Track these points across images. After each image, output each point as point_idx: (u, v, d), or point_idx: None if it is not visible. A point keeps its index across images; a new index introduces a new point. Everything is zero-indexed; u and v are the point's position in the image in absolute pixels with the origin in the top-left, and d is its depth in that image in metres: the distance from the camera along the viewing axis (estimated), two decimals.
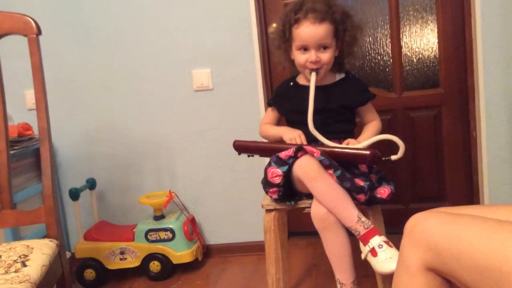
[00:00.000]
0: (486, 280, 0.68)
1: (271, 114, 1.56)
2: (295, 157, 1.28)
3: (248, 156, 1.47)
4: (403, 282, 0.82)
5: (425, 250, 0.77)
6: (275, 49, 1.51)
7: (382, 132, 1.42)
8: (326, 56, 1.37)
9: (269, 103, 1.57)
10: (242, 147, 1.46)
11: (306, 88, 1.40)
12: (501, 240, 0.67)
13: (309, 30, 1.34)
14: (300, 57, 1.40)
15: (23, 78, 2.00)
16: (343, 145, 1.32)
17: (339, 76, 1.49)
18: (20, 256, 1.08)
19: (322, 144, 1.34)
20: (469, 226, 0.73)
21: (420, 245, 0.78)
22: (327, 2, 1.37)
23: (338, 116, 1.44)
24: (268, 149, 1.40)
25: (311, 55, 1.36)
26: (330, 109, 1.43)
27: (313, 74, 1.37)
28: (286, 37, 1.41)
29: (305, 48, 1.38)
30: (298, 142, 1.36)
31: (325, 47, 1.37)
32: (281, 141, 1.46)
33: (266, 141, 1.55)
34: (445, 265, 0.75)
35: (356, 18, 1.42)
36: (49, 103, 1.28)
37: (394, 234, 1.55)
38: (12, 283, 0.96)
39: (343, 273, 1.28)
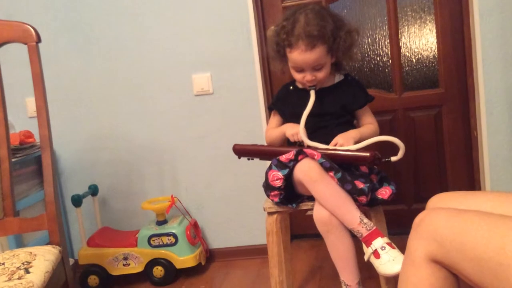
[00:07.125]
0: (485, 271, 0.70)
1: (274, 119, 1.56)
2: (295, 160, 1.28)
3: (248, 159, 1.47)
4: (409, 274, 0.83)
5: (430, 242, 0.79)
6: (270, 59, 1.50)
7: (383, 133, 1.42)
8: (322, 74, 1.38)
9: (270, 107, 1.57)
10: (241, 151, 1.46)
11: (305, 91, 1.40)
12: (501, 234, 0.69)
13: (302, 57, 1.34)
14: (296, 75, 1.41)
15: (24, 86, 2.01)
16: (343, 147, 1.32)
17: (338, 78, 1.49)
18: (23, 263, 1.08)
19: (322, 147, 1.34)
20: (472, 219, 0.75)
21: (425, 237, 0.80)
22: (318, 22, 1.32)
23: (338, 119, 1.44)
24: (267, 152, 1.40)
25: (307, 75, 1.38)
26: (329, 112, 1.44)
27: (312, 92, 1.38)
28: (281, 53, 1.41)
29: (300, 69, 1.39)
30: (298, 139, 1.37)
31: (320, 67, 1.37)
32: (282, 144, 1.45)
33: (265, 144, 1.55)
34: (448, 256, 0.76)
35: (349, 24, 1.40)
36: (51, 110, 1.29)
37: (397, 234, 1.55)
38: None
39: (348, 274, 1.28)
